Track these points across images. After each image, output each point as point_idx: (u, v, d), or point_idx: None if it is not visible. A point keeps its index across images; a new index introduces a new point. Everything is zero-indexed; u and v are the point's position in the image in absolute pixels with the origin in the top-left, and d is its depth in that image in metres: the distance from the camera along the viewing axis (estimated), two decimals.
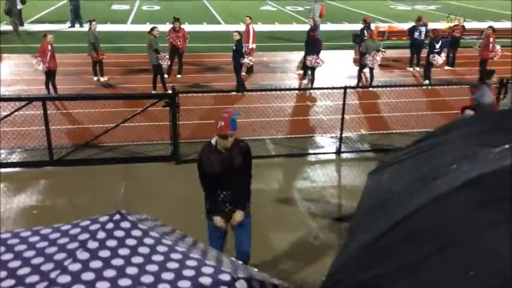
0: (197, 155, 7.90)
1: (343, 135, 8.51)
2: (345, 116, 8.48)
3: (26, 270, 1.84)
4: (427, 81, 13.29)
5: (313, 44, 12.79)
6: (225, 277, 1.88)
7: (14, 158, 7.88)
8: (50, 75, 11.44)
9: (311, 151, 8.56)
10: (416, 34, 14.98)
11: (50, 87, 11.51)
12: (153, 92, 11.63)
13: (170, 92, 8.00)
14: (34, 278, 1.78)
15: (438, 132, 1.93)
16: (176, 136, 7.91)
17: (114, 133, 8.14)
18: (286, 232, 5.31)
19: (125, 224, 2.07)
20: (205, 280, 1.85)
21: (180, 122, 7.93)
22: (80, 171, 7.49)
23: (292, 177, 7.39)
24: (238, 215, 4.25)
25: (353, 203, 6.51)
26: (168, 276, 1.85)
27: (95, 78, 13.21)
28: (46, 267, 1.84)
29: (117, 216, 2.10)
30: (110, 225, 2.04)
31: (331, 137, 9.03)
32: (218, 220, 4.24)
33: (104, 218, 2.10)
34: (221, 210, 4.26)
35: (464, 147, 1.50)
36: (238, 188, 4.21)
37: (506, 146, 1.40)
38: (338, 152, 8.44)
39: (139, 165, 7.76)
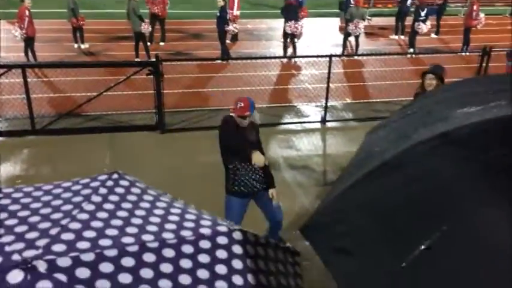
0: (181, 124, 7.95)
1: (328, 104, 8.51)
2: (330, 84, 8.46)
3: (36, 218, 1.88)
4: (411, 50, 13.29)
5: (288, 10, 12.50)
6: (222, 228, 1.99)
7: None
8: (29, 42, 11.12)
9: (296, 120, 8.57)
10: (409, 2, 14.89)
11: (29, 54, 11.21)
12: (136, 60, 11.41)
13: (153, 60, 7.86)
14: (46, 225, 1.83)
15: (429, 94, 1.97)
16: (161, 105, 7.82)
17: (97, 102, 8.01)
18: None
19: (124, 182, 2.17)
20: (205, 230, 1.96)
21: (164, 91, 7.83)
22: (63, 140, 7.39)
23: (277, 146, 7.42)
24: (275, 192, 4.50)
25: (337, 171, 6.62)
26: (170, 226, 1.95)
27: (76, 46, 12.90)
28: (55, 216, 1.90)
29: (116, 176, 2.20)
30: (110, 183, 2.13)
31: (316, 106, 9.04)
32: (261, 157, 4.09)
33: (103, 177, 2.19)
34: (248, 189, 4.31)
35: (442, 108, 1.55)
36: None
37: (481, 107, 1.45)
38: (323, 120, 8.46)
39: (124, 134, 7.68)
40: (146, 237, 1.84)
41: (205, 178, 5.91)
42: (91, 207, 1.95)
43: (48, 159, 6.78)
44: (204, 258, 1.84)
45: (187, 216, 2.07)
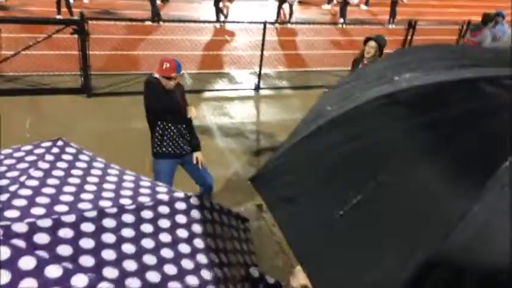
0: (109, 88, 7.57)
1: (262, 72, 8.50)
2: (264, 52, 8.42)
3: None
4: (341, 20, 13.55)
5: None
6: (179, 194, 1.98)
7: None
8: None
9: (230, 87, 8.48)
10: None
11: None
12: (57, 17, 10.60)
13: (78, 18, 7.33)
14: None
15: (385, 58, 2.05)
16: (87, 67, 7.37)
17: (16, 62, 7.38)
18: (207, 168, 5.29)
19: (70, 150, 2.08)
20: (163, 196, 1.95)
21: (90, 52, 7.37)
22: None
23: (210, 113, 7.32)
24: (200, 155, 4.39)
25: (271, 138, 6.70)
26: (126, 193, 1.90)
27: None
28: (2, 182, 1.76)
29: (60, 142, 2.09)
30: (56, 150, 2.03)
31: (250, 73, 8.99)
32: (193, 111, 4.21)
33: (47, 144, 2.07)
34: (175, 150, 4.25)
35: (390, 73, 1.64)
36: (184, 124, 4.25)
37: (425, 72, 1.53)
38: (257, 88, 8.45)
39: (46, 97, 7.17)
40: (104, 203, 1.78)
41: (134, 144, 5.72)
42: (39, 173, 1.84)
43: None
44: (164, 223, 1.82)
45: (142, 183, 2.04)
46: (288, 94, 8.51)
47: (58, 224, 1.59)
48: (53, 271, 1.43)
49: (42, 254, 1.47)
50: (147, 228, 1.76)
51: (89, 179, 1.94)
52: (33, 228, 1.53)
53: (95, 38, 7.70)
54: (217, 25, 11.95)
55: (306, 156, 1.63)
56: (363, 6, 15.72)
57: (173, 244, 1.78)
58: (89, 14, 8.61)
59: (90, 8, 11.89)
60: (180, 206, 1.94)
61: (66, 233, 1.58)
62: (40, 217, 1.59)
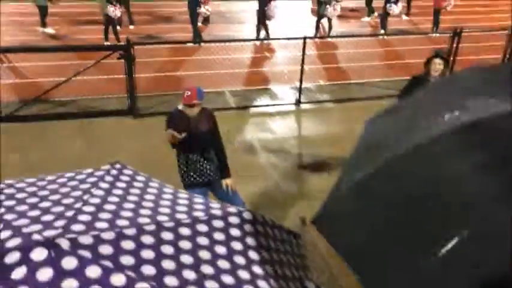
0: (155, 108, 7.81)
1: (302, 86, 8.51)
2: (304, 66, 8.44)
3: (47, 203, 1.88)
4: (382, 31, 13.38)
5: None
6: (232, 209, 2.07)
7: None
8: None
9: (271, 102, 8.54)
10: None
11: None
12: (105, 43, 11.10)
13: (124, 43, 7.65)
14: (59, 209, 1.83)
15: (438, 82, 1.94)
16: (133, 89, 7.65)
17: (67, 87, 7.77)
18: (247, 183, 5.33)
19: (127, 171, 2.23)
20: (217, 212, 2.03)
21: (136, 75, 7.66)
22: (31, 127, 7.16)
23: (252, 129, 7.39)
24: (230, 181, 4.38)
25: (313, 153, 6.66)
26: (181, 208, 2.01)
27: (41, 30, 12.47)
28: (66, 201, 1.90)
29: (118, 166, 2.25)
30: (114, 172, 2.18)
31: (291, 88, 9.02)
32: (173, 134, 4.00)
33: (106, 167, 2.23)
34: (203, 178, 4.26)
35: (458, 98, 1.52)
36: (212, 152, 4.28)
37: (500, 97, 1.41)
38: (297, 102, 8.46)
39: (95, 120, 7.49)
40: (161, 218, 1.88)
41: None
42: (100, 192, 1.97)
43: (15, 148, 6.56)
44: (219, 236, 1.90)
45: (195, 200, 2.14)
46: (329, 107, 8.46)
47: (120, 236, 1.68)
48: (117, 279, 1.51)
49: (107, 263, 1.55)
50: (203, 240, 1.84)
51: (146, 196, 2.05)
52: (98, 240, 1.63)
53: (140, 61, 8.00)
54: (258, 43, 12.10)
55: (374, 196, 1.51)
56: (404, 17, 15.47)
57: (228, 256, 1.84)
58: (134, 39, 8.97)
59: (135, 33, 12.37)
60: (234, 220, 2.00)
61: (128, 244, 1.67)
62: (103, 230, 1.70)
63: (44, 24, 12.50)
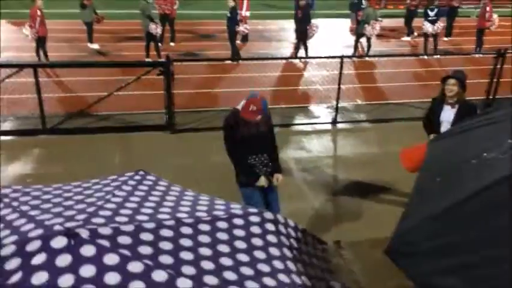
0: (192, 124, 7.93)
1: (339, 105, 8.45)
2: (341, 85, 8.39)
3: (70, 202, 1.97)
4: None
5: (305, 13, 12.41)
6: (252, 209, 2.12)
7: (6, 126, 7.75)
8: (40, 41, 11.19)
9: (307, 121, 8.51)
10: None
11: (41, 54, 11.28)
12: (146, 60, 11.42)
13: (164, 60, 7.85)
14: (82, 206, 1.92)
15: (499, 107, 1.91)
16: (171, 105, 7.81)
17: (108, 102, 8.02)
18: (283, 202, 5.29)
19: (151, 178, 2.31)
20: (237, 211, 2.07)
21: (174, 91, 7.82)
22: (74, 140, 7.41)
23: (288, 147, 7.37)
24: (280, 176, 4.43)
25: (349, 173, 6.57)
26: (202, 208, 2.05)
27: (89, 46, 12.99)
28: (89, 200, 2.00)
29: (142, 172, 2.35)
30: (137, 177, 2.27)
31: (327, 107, 8.98)
32: (263, 180, 4.30)
33: (130, 174, 2.33)
34: (259, 174, 4.32)
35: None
36: (269, 152, 4.35)
37: None
38: (334, 122, 8.40)
39: (134, 134, 7.68)
40: (180, 215, 1.93)
41: (216, 178, 5.88)
42: (123, 193, 2.05)
43: (57, 159, 6.80)
44: (238, 232, 1.93)
45: (216, 201, 2.19)
46: (366, 127, 8.35)
47: (139, 229, 1.74)
48: (135, 267, 1.56)
49: (125, 252, 1.61)
50: (222, 235, 1.89)
51: (167, 197, 2.12)
52: (117, 232, 1.69)
53: (179, 77, 8.17)
54: (296, 61, 12.15)
55: (462, 226, 1.49)
56: (444, 37, 15.19)
57: (248, 250, 1.87)
58: (174, 56, 9.18)
59: (175, 50, 12.68)
60: (255, 218, 2.04)
61: (146, 236, 1.72)
62: (123, 223, 1.76)
63: (90, 40, 13.02)
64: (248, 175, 4.30)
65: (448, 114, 4.94)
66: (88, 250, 1.56)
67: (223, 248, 1.80)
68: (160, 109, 8.02)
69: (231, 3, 11.73)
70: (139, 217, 1.84)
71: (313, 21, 12.71)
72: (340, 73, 8.23)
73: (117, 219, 1.79)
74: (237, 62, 11.50)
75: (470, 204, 1.47)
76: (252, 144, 4.18)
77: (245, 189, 4.38)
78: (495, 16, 13.33)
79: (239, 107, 4.15)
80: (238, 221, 1.97)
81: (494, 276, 1.36)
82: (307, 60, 12.06)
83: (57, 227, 1.66)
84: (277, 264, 1.83)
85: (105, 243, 1.61)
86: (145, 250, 1.65)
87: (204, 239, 1.81)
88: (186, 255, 1.70)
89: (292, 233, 2.11)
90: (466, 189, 1.50)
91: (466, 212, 1.48)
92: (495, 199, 1.44)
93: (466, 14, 18.37)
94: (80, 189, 2.16)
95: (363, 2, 14.22)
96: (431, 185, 1.67)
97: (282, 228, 2.06)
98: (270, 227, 2.01)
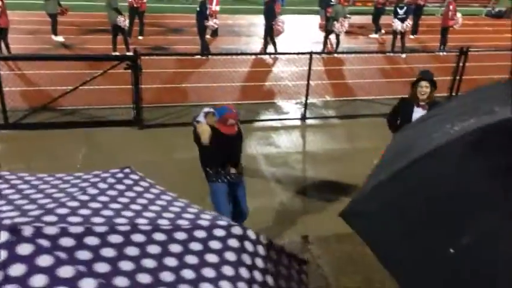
0: (160, 120, 7.83)
1: (308, 101, 8.51)
2: (310, 82, 8.45)
3: (39, 195, 1.96)
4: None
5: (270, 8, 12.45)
6: (222, 222, 2.01)
7: None
8: (2, 33, 10.78)
9: (276, 117, 8.54)
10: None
11: (2, 45, 10.88)
12: (113, 53, 11.19)
13: (132, 54, 7.71)
14: (46, 201, 1.89)
15: (465, 94, 2.02)
16: (139, 100, 7.68)
17: (73, 96, 7.82)
18: (251, 197, 5.30)
19: (134, 176, 2.26)
20: (203, 222, 1.98)
21: (142, 86, 7.69)
22: (37, 135, 7.19)
23: (257, 143, 7.38)
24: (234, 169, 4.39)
25: (317, 168, 6.64)
26: (168, 215, 1.99)
27: (53, 38, 12.62)
28: (57, 195, 1.97)
29: (127, 170, 2.29)
30: (120, 175, 2.21)
31: (296, 103, 9.03)
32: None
33: (115, 170, 2.27)
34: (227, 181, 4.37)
35: (480, 105, 1.59)
36: (238, 159, 4.44)
37: None
38: (303, 117, 8.46)
39: (100, 129, 7.51)
40: (140, 221, 1.87)
41: (184, 174, 5.84)
42: (94, 191, 2.01)
43: (20, 155, 6.58)
44: (195, 246, 1.85)
45: (189, 209, 2.10)
46: (335, 123, 8.45)
47: (88, 232, 1.71)
48: (66, 272, 1.53)
49: (62, 255, 1.58)
50: (175, 248, 1.82)
51: (139, 200, 2.06)
52: (63, 233, 1.66)
53: (147, 72, 8.04)
54: (266, 56, 12.16)
55: (407, 189, 1.58)
56: (410, 35, 15.50)
57: (197, 267, 1.79)
58: (142, 50, 9.04)
59: (144, 44, 12.48)
60: (219, 232, 1.95)
61: (92, 240, 1.69)
62: (73, 224, 1.73)
63: (55, 32, 12.65)
64: (216, 179, 4.34)
65: (420, 116, 5.00)
66: (25, 249, 1.55)
67: (170, 262, 1.74)
68: (128, 104, 7.88)
69: None
70: (95, 219, 1.80)
71: (282, 17, 12.73)
72: (309, 69, 8.29)
73: (71, 219, 1.76)
74: (206, 57, 11.42)
75: (418, 168, 1.56)
76: (226, 156, 4.25)
77: (212, 184, 4.39)
78: (459, 15, 13.69)
79: (200, 118, 4.12)
80: (199, 234, 1.89)
81: (441, 243, 1.45)
82: (277, 56, 12.09)
83: (6, 221, 1.66)
84: (224, 284, 1.75)
85: (45, 243, 1.60)
86: (84, 255, 1.62)
87: (153, 249, 1.75)
88: (126, 265, 1.65)
89: (261, 251, 2.00)
90: (415, 152, 1.60)
91: (414, 175, 1.57)
92: (440, 165, 1.53)
93: (431, 12, 18.81)
94: (58, 181, 2.14)
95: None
96: (389, 156, 1.78)
97: (248, 246, 1.96)
98: (233, 243, 1.91)
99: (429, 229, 1.48)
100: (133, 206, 1.99)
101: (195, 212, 2.07)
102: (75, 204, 1.87)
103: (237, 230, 1.97)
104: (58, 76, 8.92)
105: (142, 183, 2.23)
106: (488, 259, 1.32)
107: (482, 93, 1.83)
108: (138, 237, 1.77)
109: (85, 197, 1.94)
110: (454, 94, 9.12)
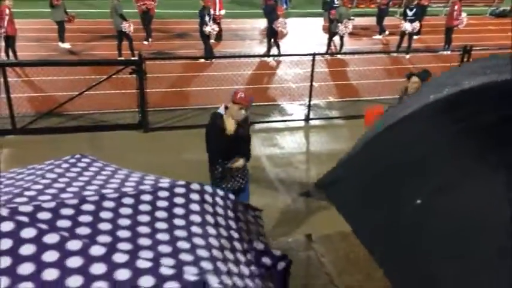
0: (165, 123, 7.92)
1: (311, 103, 8.56)
2: (314, 83, 8.51)
3: None
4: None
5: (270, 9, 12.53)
6: (180, 182, 2.24)
7: None
8: (9, 40, 10.97)
9: (280, 118, 8.60)
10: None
11: (10, 53, 11.06)
12: (119, 59, 11.32)
13: (136, 59, 7.81)
14: (9, 189, 2.00)
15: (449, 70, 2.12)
16: (144, 104, 7.78)
17: (79, 101, 7.93)
18: (256, 197, 5.35)
19: (86, 160, 2.42)
20: (163, 184, 2.18)
21: (147, 90, 7.79)
22: (44, 140, 7.30)
23: (261, 144, 7.44)
24: (242, 162, 4.38)
25: (321, 168, 6.66)
26: (130, 184, 2.16)
27: (60, 45, 12.79)
28: (19, 183, 2.08)
29: (78, 155, 2.45)
30: (72, 160, 2.37)
31: (300, 104, 9.08)
32: (240, 162, 4.32)
33: (67, 157, 2.43)
34: (232, 185, 4.39)
35: (450, 81, 1.69)
36: (245, 151, 4.44)
37: (485, 77, 1.60)
38: (307, 119, 8.51)
39: (106, 133, 7.62)
40: (106, 191, 2.04)
41: (189, 177, 5.87)
42: (53, 175, 2.15)
43: (28, 159, 6.62)
44: (161, 203, 2.03)
45: (147, 177, 2.31)
46: (338, 124, 8.49)
47: (61, 205, 1.84)
48: (51, 238, 1.66)
49: (43, 226, 1.70)
50: (144, 207, 1.98)
51: (98, 176, 2.22)
52: (38, 209, 1.78)
53: (152, 76, 8.14)
54: (269, 59, 12.23)
55: (373, 158, 1.72)
56: (415, 36, 15.50)
57: (169, 218, 1.96)
58: (147, 54, 9.14)
59: (149, 49, 12.60)
60: (179, 190, 2.16)
61: (67, 211, 1.81)
62: (45, 201, 1.85)
63: (62, 39, 12.81)
64: (221, 182, 4.35)
65: None
66: (6, 226, 1.65)
67: (143, 218, 1.90)
68: (133, 108, 7.97)
69: (202, 2, 11.74)
70: (63, 195, 1.94)
71: (286, 19, 12.79)
72: (312, 70, 8.34)
73: (41, 197, 1.88)
74: (210, 61, 11.50)
75: (388, 132, 1.64)
76: (234, 147, 4.26)
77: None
78: (463, 15, 13.68)
79: (220, 110, 4.23)
80: (162, 194, 2.08)
81: (408, 198, 1.53)
82: (280, 58, 12.15)
83: None
84: (195, 229, 1.94)
85: (24, 219, 1.70)
86: (64, 223, 1.75)
87: (125, 211, 1.91)
88: (104, 226, 1.80)
89: (220, 202, 2.23)
90: (390, 121, 1.68)
91: (386, 140, 1.66)
92: (410, 131, 1.61)
93: (435, 12, 18.79)
94: (13, 174, 2.26)
95: (336, 1, 14.39)
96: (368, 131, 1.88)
97: (207, 197, 2.19)
98: (194, 196, 2.14)
99: (397, 187, 1.57)
100: (95, 182, 2.14)
101: (154, 179, 2.28)
102: (39, 187, 2.00)
103: (194, 186, 2.22)
104: (64, 82, 9.05)
105: (96, 164, 2.39)
106: (448, 212, 1.41)
107: (463, 68, 1.93)
108: (108, 204, 1.92)
109: (46, 181, 2.07)
110: None
